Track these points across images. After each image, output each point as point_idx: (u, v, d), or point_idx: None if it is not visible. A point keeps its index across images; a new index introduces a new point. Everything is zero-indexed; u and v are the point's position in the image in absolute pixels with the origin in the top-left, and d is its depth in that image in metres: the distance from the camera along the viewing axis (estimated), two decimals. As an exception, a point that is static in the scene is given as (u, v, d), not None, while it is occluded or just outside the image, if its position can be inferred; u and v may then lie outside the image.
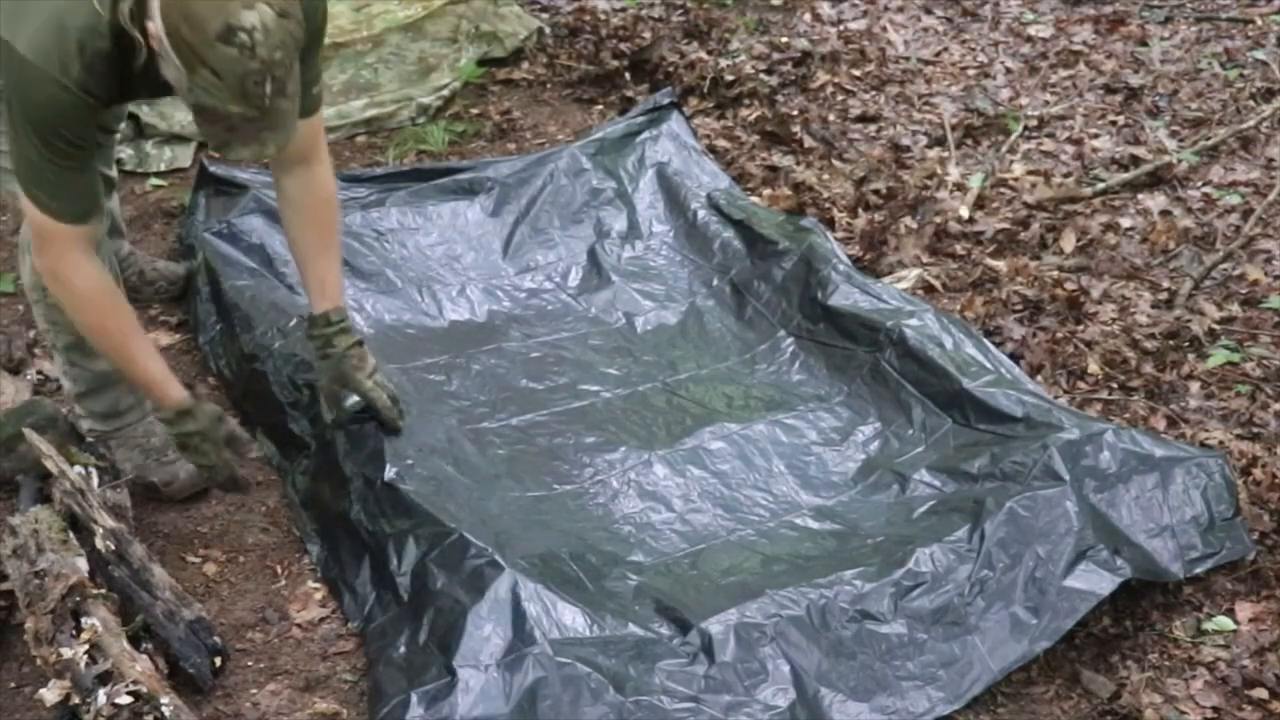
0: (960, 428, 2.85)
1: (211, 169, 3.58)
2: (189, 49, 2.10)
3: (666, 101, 4.10)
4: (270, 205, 3.37)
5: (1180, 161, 4.23)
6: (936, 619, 2.37)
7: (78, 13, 2.20)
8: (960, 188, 4.05)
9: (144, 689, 2.12)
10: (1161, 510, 2.59)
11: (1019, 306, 3.46)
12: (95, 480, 2.58)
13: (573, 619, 2.28)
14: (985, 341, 3.12)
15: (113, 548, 2.40)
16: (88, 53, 2.21)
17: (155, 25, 2.14)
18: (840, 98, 4.72)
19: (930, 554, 2.44)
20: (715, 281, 3.52)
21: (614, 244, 3.67)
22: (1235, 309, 3.49)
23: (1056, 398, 3.04)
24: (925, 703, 2.28)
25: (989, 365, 3.00)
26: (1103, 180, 4.16)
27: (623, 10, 5.27)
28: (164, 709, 2.11)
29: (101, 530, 2.42)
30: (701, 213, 3.72)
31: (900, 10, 5.57)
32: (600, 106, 4.64)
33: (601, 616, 2.30)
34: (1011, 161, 4.29)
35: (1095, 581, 2.44)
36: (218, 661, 2.34)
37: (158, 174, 4.07)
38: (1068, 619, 2.40)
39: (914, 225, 3.81)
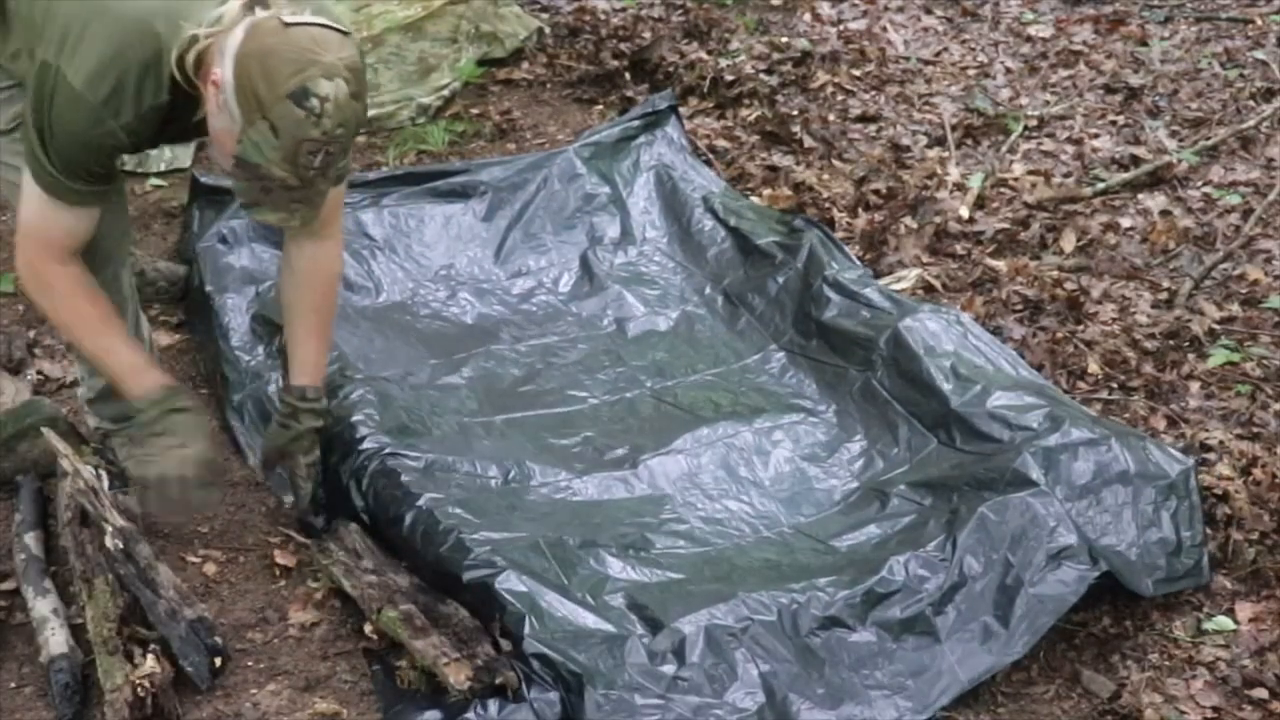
0: (944, 448, 2.83)
1: (203, 179, 3.54)
2: (255, 100, 2.09)
3: (665, 105, 4.08)
4: None
5: (1180, 161, 4.24)
6: (907, 628, 2.37)
7: (142, 57, 2.17)
8: (960, 188, 4.05)
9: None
10: (1129, 527, 2.57)
11: (1019, 306, 3.46)
12: (106, 482, 2.60)
13: (550, 610, 2.32)
14: (985, 336, 3.10)
15: (120, 546, 2.41)
16: (145, 102, 2.20)
17: (222, 73, 2.11)
18: (840, 98, 4.72)
19: (903, 563, 2.44)
20: (708, 290, 3.50)
21: (606, 250, 3.65)
22: (1235, 309, 3.49)
23: (1056, 398, 3.04)
24: (893, 712, 2.28)
25: (988, 366, 2.99)
26: (1103, 180, 4.16)
27: (623, 10, 5.27)
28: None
29: (111, 529, 2.43)
30: (696, 219, 3.70)
31: (900, 10, 5.57)
32: (600, 106, 4.63)
33: (575, 611, 2.33)
34: (1011, 161, 4.29)
35: (1067, 586, 2.44)
36: (217, 662, 2.34)
37: (158, 174, 4.06)
38: (1039, 627, 2.40)
39: (914, 225, 3.81)
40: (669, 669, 2.24)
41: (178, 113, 2.26)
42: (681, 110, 4.20)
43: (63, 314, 2.43)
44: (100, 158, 2.27)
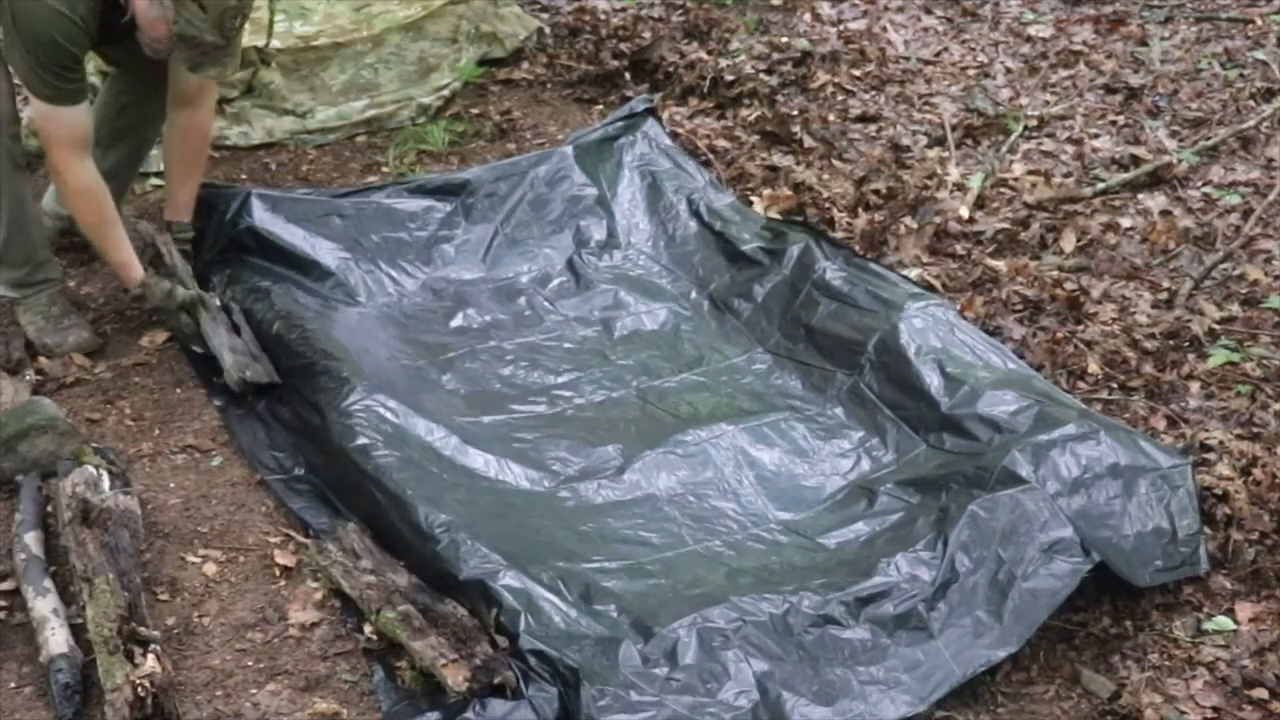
0: (933, 450, 2.83)
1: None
2: None
3: (643, 108, 4.07)
4: (275, 198, 3.51)
5: (1180, 161, 4.23)
6: (900, 624, 2.38)
7: None
8: (960, 188, 4.05)
9: None
10: (1122, 519, 2.57)
11: (1019, 306, 3.46)
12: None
13: (546, 610, 2.34)
14: (972, 330, 3.10)
15: None
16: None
17: None
18: (840, 98, 4.72)
19: (894, 562, 2.46)
20: (694, 293, 3.50)
21: (593, 252, 3.66)
22: (1235, 309, 3.49)
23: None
24: (889, 706, 2.28)
25: (976, 361, 2.99)
26: (1103, 180, 4.15)
27: (623, 10, 5.27)
28: None
29: None
30: (682, 221, 3.70)
31: (900, 10, 5.56)
32: (600, 106, 4.63)
33: (568, 614, 2.34)
34: (1011, 161, 4.29)
35: (1060, 580, 2.44)
36: None
37: (158, 174, 4.06)
38: (1034, 621, 2.40)
39: (914, 225, 3.81)
40: (662, 671, 2.25)
41: (108, 16, 2.88)
42: (681, 110, 4.20)
43: (75, 205, 3.16)
44: (70, 44, 2.88)
